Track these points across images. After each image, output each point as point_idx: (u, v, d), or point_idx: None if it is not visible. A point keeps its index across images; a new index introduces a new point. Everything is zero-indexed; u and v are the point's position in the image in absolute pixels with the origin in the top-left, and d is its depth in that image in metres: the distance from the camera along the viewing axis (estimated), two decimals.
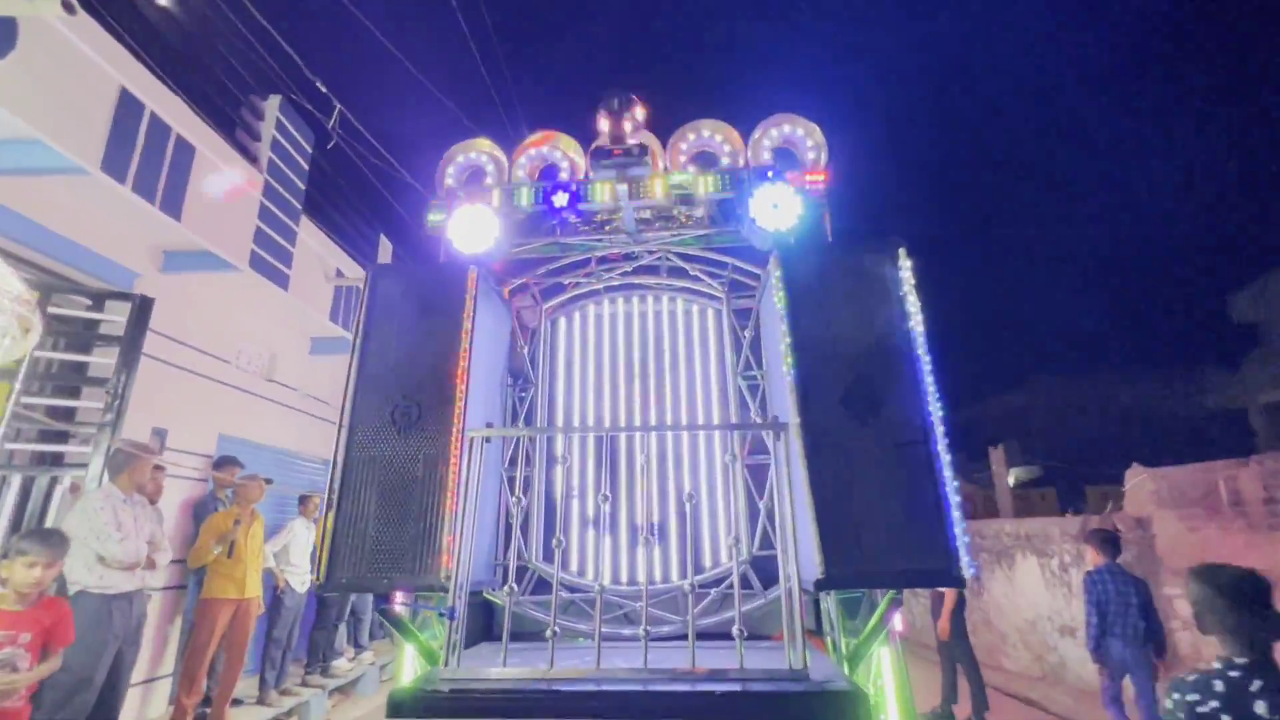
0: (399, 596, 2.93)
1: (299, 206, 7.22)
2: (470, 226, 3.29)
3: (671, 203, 3.51)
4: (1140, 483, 8.12)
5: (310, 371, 8.74)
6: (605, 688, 2.40)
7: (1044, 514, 13.37)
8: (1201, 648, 7.10)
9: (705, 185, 3.47)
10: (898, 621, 2.94)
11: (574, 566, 3.76)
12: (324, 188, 8.01)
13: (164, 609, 6.18)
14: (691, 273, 4.13)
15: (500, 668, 2.52)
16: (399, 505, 2.81)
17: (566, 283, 4.30)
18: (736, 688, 2.35)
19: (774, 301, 3.09)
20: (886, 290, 2.96)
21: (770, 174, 3.34)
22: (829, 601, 3.07)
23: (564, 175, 3.82)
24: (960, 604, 6.73)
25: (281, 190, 6.92)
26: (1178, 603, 7.32)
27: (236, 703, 6.21)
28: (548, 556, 3.79)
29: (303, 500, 7.38)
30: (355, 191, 8.67)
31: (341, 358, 9.10)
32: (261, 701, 6.52)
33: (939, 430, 2.71)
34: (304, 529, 7.05)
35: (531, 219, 4.11)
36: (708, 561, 3.68)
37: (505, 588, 2.66)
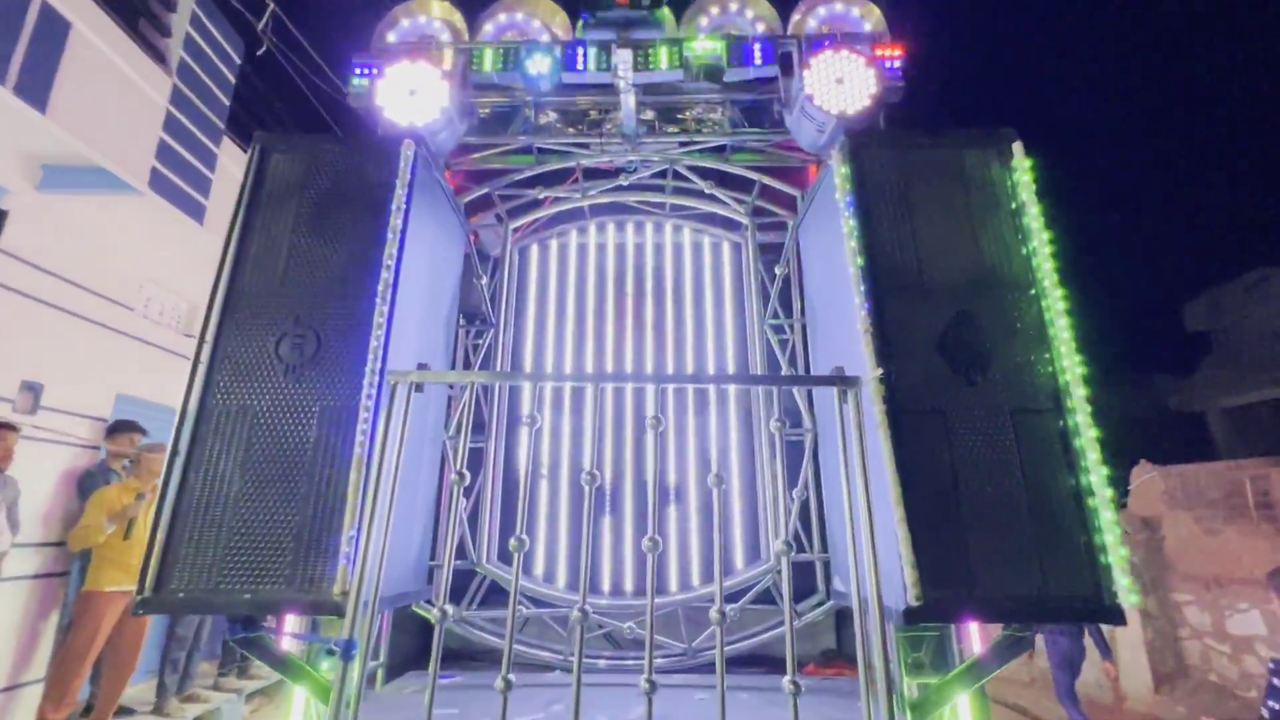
0: (287, 620, 1.98)
1: (221, 126, 6.03)
2: (408, 89, 2.31)
3: (692, 77, 2.58)
4: (1150, 481, 7.58)
5: None
6: None
7: None
8: (1211, 658, 6.60)
9: (737, 56, 2.55)
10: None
11: (538, 571, 2.82)
12: (256, 109, 6.82)
13: (36, 601, 5.06)
14: (706, 191, 3.18)
15: None
16: (278, 480, 1.85)
17: (542, 198, 3.29)
18: None
19: (833, 213, 2.21)
20: (996, 199, 2.11)
21: (829, 43, 2.44)
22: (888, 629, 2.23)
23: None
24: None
25: (197, 101, 5.73)
26: (1188, 609, 6.81)
27: (126, 712, 5.14)
28: (504, 556, 2.85)
29: None
30: (294, 117, 7.48)
31: None
32: (159, 711, 5.45)
33: (1079, 393, 1.87)
34: None
35: (496, 117, 3.13)
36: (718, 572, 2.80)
37: (438, 607, 1.72)
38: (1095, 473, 1.80)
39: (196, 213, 5.75)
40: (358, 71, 2.49)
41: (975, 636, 2.34)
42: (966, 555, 1.74)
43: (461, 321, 3.05)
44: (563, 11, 2.93)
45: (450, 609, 1.70)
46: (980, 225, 2.07)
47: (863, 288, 1.99)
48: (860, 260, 2.03)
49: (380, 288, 2.00)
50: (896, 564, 1.77)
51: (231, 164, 6.37)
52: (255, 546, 1.78)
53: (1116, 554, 1.73)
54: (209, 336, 1.99)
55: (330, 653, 1.66)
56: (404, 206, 2.10)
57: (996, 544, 1.76)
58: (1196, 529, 6.86)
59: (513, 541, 1.75)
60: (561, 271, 3.29)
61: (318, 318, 2.01)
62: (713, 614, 1.68)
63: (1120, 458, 8.08)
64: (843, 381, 1.86)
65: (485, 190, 3.06)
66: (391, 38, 2.94)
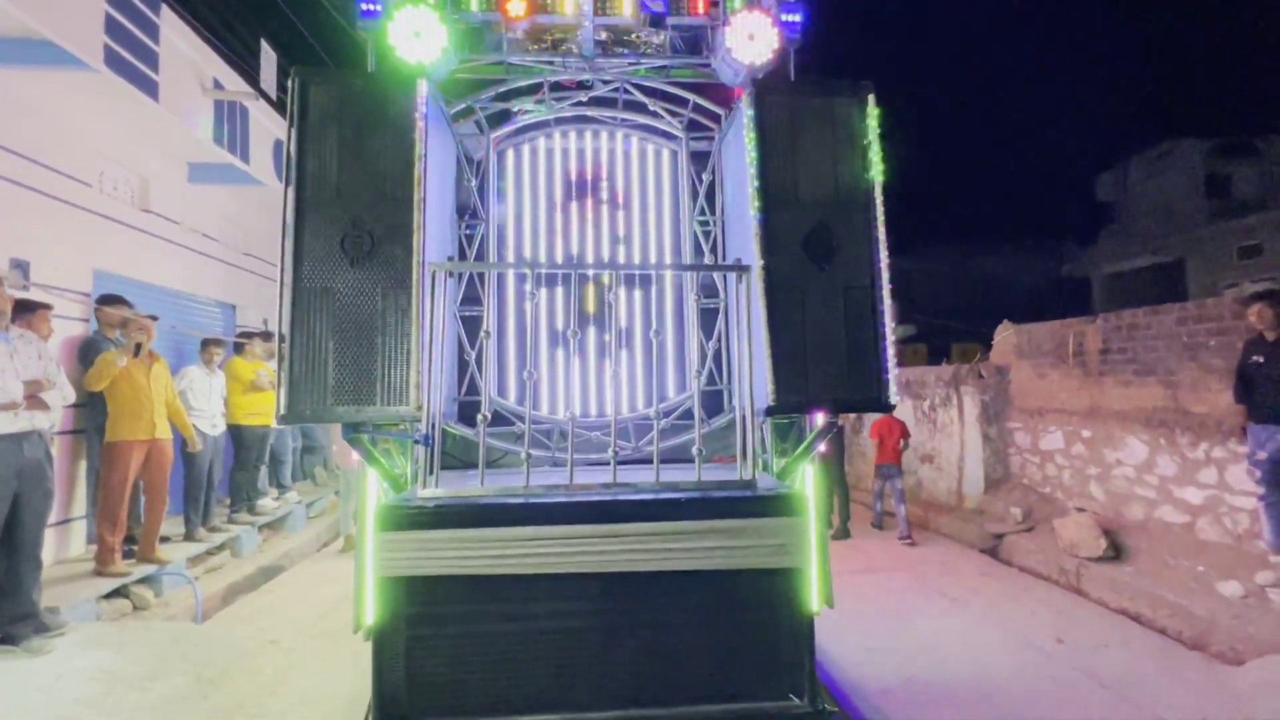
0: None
1: None
2: (413, 30, 2.88)
3: (638, 24, 3.24)
4: (1006, 337, 9.31)
5: (192, 203, 7.73)
6: (579, 499, 2.66)
7: (916, 365, 15.05)
8: (1027, 467, 8.68)
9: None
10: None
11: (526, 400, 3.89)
12: None
13: (64, 453, 5.84)
14: (650, 108, 3.91)
15: (478, 486, 2.70)
16: (360, 338, 2.72)
17: (515, 110, 3.93)
18: (696, 495, 2.68)
19: (742, 141, 3.05)
20: (853, 138, 3.00)
21: (747, 2, 3.13)
22: (765, 427, 3.44)
23: None
24: (839, 432, 7.82)
25: None
26: (1016, 434, 8.80)
27: (164, 540, 6.22)
28: (501, 391, 3.89)
29: (204, 346, 6.94)
30: None
31: (227, 187, 8.09)
32: (189, 537, 6.57)
33: (884, 277, 2.94)
34: (201, 375, 6.77)
35: (471, 34, 3.66)
36: (655, 395, 3.94)
37: (479, 415, 2.75)
38: (887, 326, 2.93)
39: (150, 88, 5.85)
40: (365, 8, 3.01)
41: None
42: (806, 375, 2.88)
43: (454, 217, 3.80)
44: None
45: (488, 415, 2.74)
46: (839, 157, 2.99)
47: (756, 202, 2.92)
48: (756, 182, 2.93)
49: (414, 200, 2.76)
50: (765, 384, 2.89)
51: (174, 36, 6.27)
52: (353, 380, 2.70)
53: (892, 375, 2.91)
54: (289, 234, 2.74)
55: (416, 443, 2.66)
56: (424, 136, 2.80)
57: (825, 368, 2.90)
58: (1032, 374, 8.68)
59: (525, 373, 2.75)
60: (534, 172, 4.02)
61: (369, 222, 2.77)
62: (651, 413, 2.77)
63: (1014, 319, 9.69)
64: (740, 269, 2.86)
65: (468, 105, 3.68)
66: None
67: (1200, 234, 21.26)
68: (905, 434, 8.21)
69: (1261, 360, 5.16)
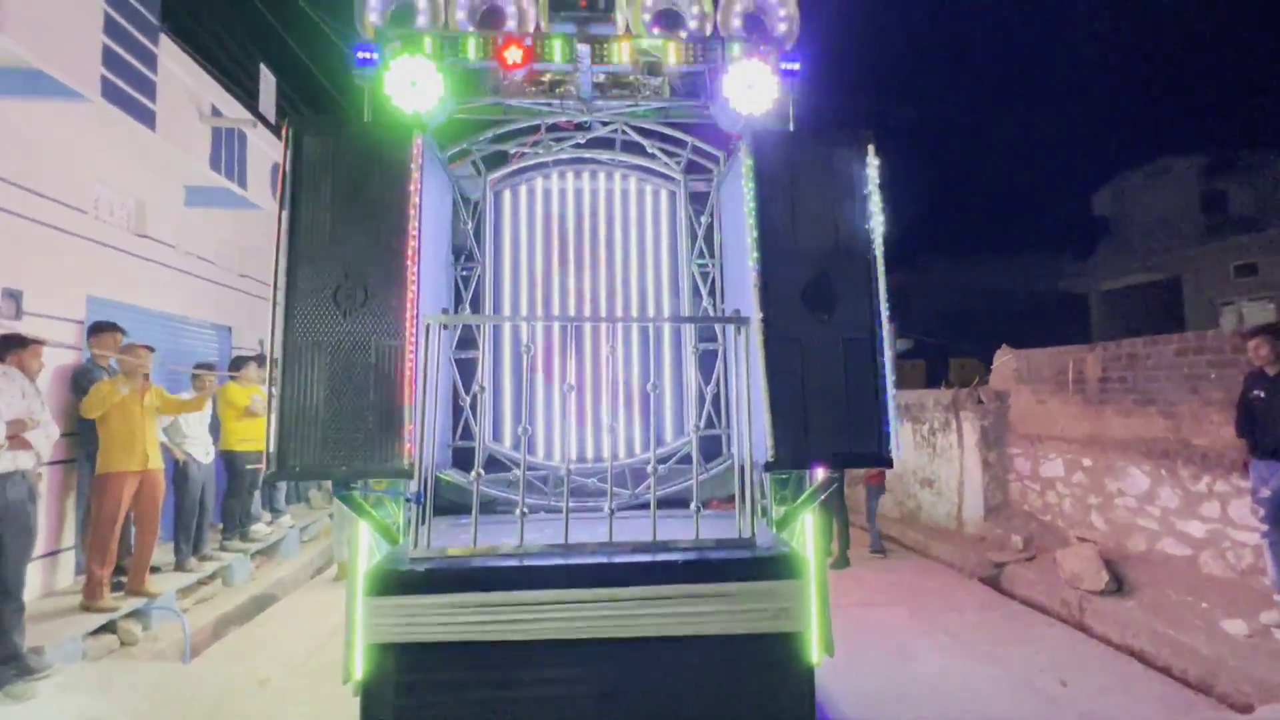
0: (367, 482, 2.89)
1: (156, 22, 5.88)
2: (409, 80, 2.85)
3: (636, 69, 3.22)
4: (1006, 361, 9.28)
5: (189, 226, 7.69)
6: (574, 560, 2.59)
7: (914, 384, 14.98)
8: (1027, 494, 8.63)
9: (675, 55, 3.18)
10: None
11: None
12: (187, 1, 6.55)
13: (54, 484, 5.76)
14: (648, 149, 3.89)
15: (470, 545, 2.63)
16: (352, 392, 2.67)
17: (512, 152, 3.92)
18: (694, 556, 2.62)
19: (740, 190, 3.02)
20: (852, 187, 2.98)
21: (745, 49, 3.11)
22: (764, 476, 3.39)
23: (511, 24, 3.35)
24: None
25: None
26: (1016, 460, 8.75)
27: (154, 570, 6.12)
28: (496, 436, 3.83)
29: (194, 376, 6.86)
30: (228, 8, 7.16)
31: (225, 211, 8.05)
32: (180, 567, 6.48)
33: (885, 328, 2.90)
34: None
35: (469, 76, 3.64)
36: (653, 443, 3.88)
37: (473, 472, 2.69)
38: (887, 378, 2.89)
39: (147, 118, 5.83)
40: (360, 56, 2.98)
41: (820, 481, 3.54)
42: (806, 429, 2.83)
43: (451, 259, 3.76)
44: None
45: (482, 472, 2.68)
46: (838, 206, 2.96)
47: (755, 253, 2.88)
48: (755, 232, 2.90)
49: (409, 253, 2.72)
50: (764, 437, 2.83)
51: (172, 64, 6.26)
52: (342, 435, 2.64)
53: (893, 428, 2.86)
54: (280, 286, 2.69)
55: (407, 501, 2.61)
56: (419, 186, 2.76)
57: (824, 422, 2.85)
58: (1032, 400, 8.64)
59: (520, 428, 2.70)
60: (531, 213, 4.00)
61: (363, 273, 2.73)
62: (649, 467, 2.71)
63: (1013, 334, 9.68)
64: (738, 321, 2.82)
65: (464, 147, 3.65)
66: (374, 1, 3.33)
67: (1196, 252, 21.31)
68: None
69: (1262, 395, 5.13)
